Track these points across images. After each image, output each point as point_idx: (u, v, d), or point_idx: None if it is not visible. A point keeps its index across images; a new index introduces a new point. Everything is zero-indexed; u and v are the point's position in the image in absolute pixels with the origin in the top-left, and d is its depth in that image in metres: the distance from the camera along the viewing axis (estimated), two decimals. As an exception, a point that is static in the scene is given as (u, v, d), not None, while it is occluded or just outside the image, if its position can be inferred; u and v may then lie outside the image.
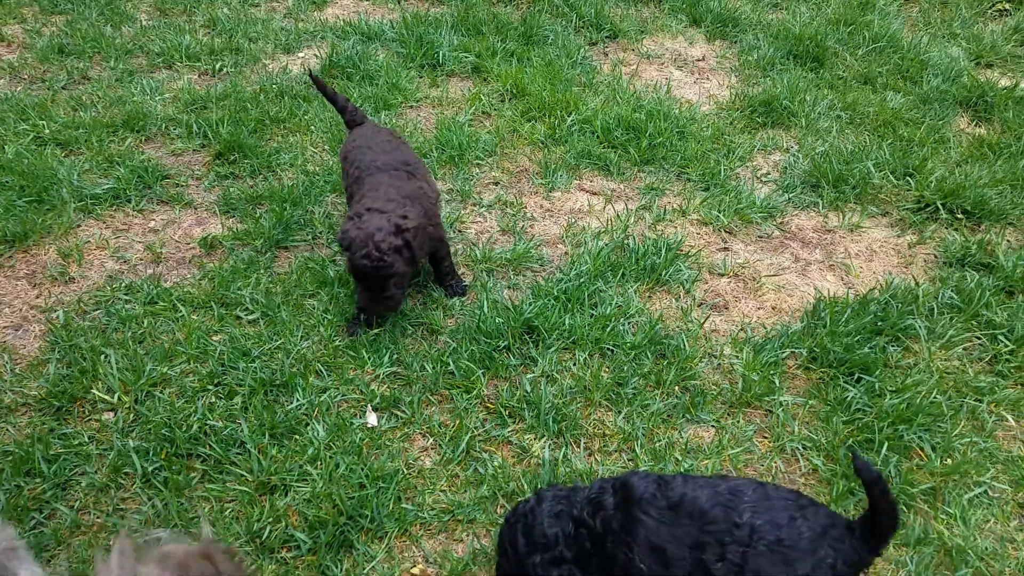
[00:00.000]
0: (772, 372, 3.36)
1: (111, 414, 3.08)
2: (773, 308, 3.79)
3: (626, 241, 4.08)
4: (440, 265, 3.68)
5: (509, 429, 3.11)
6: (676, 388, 3.30)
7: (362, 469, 2.88)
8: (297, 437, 2.99)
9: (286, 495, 2.78)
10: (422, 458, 3.00)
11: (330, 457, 2.92)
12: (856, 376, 3.33)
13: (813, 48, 5.95)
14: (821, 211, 4.44)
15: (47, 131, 4.71)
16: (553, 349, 3.43)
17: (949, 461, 3.02)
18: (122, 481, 2.83)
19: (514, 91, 5.35)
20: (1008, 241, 4.17)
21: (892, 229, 4.33)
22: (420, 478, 2.91)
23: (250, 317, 3.54)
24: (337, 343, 3.41)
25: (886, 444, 3.01)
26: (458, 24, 6.16)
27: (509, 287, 3.81)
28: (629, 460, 3.01)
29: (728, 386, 3.32)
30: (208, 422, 3.01)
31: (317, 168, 4.57)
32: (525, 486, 2.87)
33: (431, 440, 3.07)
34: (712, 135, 5.01)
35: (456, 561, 2.63)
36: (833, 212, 4.43)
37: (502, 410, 3.16)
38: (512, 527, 2.36)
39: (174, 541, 1.58)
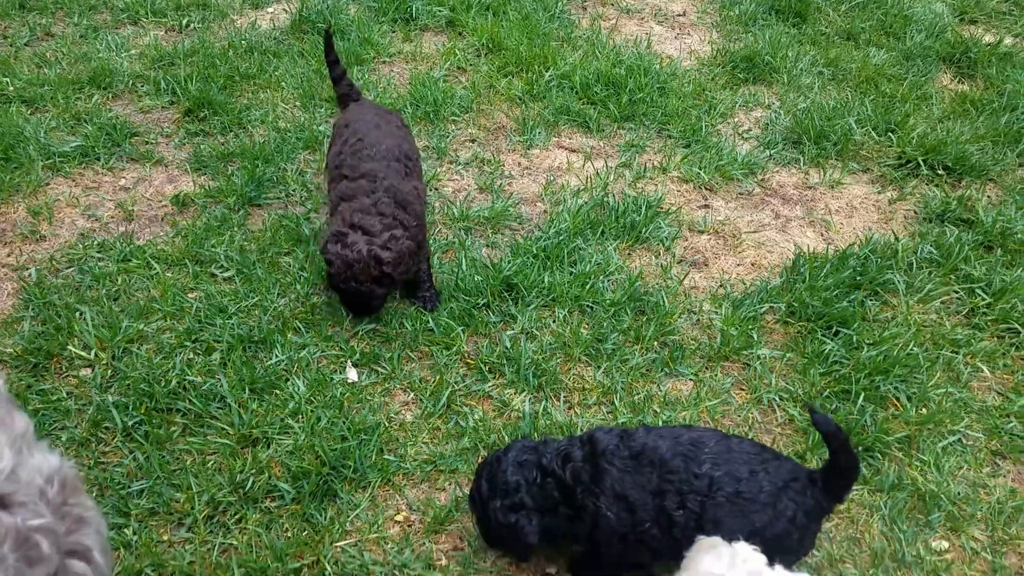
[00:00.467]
0: (750, 327, 3.50)
1: (88, 370, 3.16)
2: (753, 264, 3.92)
3: (606, 199, 4.18)
4: (417, 273, 3.53)
5: (489, 384, 3.22)
6: (655, 343, 3.43)
7: (344, 422, 2.99)
8: (277, 392, 3.10)
9: (268, 447, 2.89)
10: (403, 412, 3.12)
11: (311, 411, 3.03)
12: (834, 329, 3.48)
13: (795, 3, 6.05)
14: (802, 168, 4.57)
15: (11, 88, 4.73)
16: (533, 306, 3.54)
17: (924, 411, 3.18)
18: (102, 436, 2.93)
19: (490, 46, 5.42)
20: (988, 197, 4.33)
21: (873, 185, 4.47)
22: (402, 431, 3.03)
23: (225, 275, 3.62)
24: (315, 300, 3.50)
25: (863, 395, 3.16)
26: (433, -22, 6.19)
27: (488, 245, 3.91)
28: (608, 413, 3.14)
29: (707, 341, 3.45)
30: (187, 377, 3.11)
31: (288, 125, 4.62)
32: (506, 438, 2.99)
33: (412, 395, 3.18)
34: (693, 91, 5.11)
35: (439, 508, 2.76)
36: (814, 169, 4.56)
37: (482, 366, 3.27)
38: (479, 474, 2.52)
39: None
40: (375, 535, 2.68)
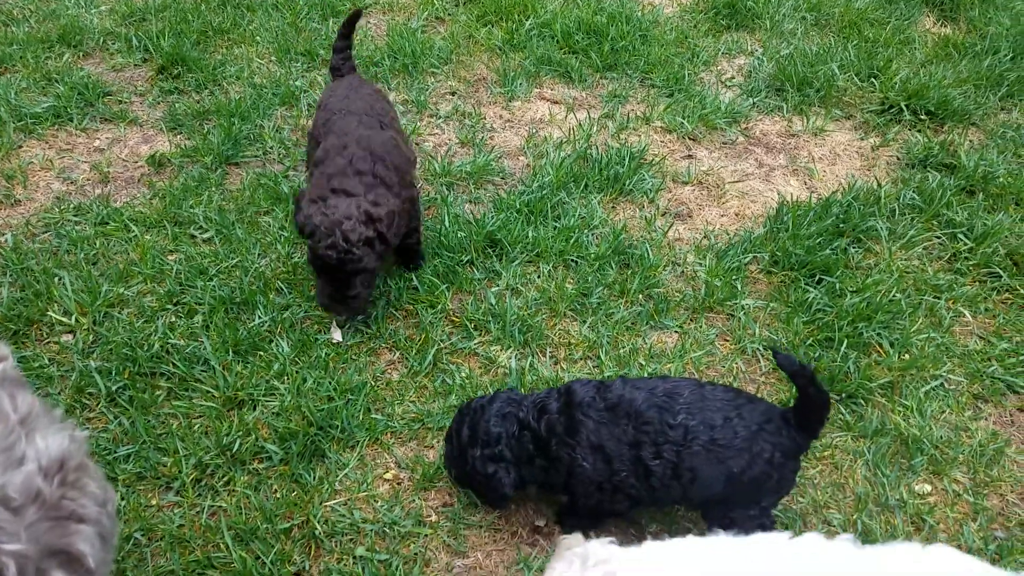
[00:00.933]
0: (734, 277, 3.51)
1: (70, 336, 3.15)
2: (736, 215, 3.92)
3: (589, 151, 4.16)
4: (409, 239, 3.35)
5: (475, 341, 3.23)
6: (640, 296, 3.44)
7: (329, 382, 2.99)
8: (261, 354, 3.09)
9: (254, 409, 2.89)
10: (389, 371, 3.12)
11: (296, 372, 3.03)
12: (817, 278, 3.49)
13: (778, -54, 5.97)
14: (785, 115, 4.55)
15: (-24, 48, 4.64)
16: (517, 262, 3.53)
17: (907, 356, 3.21)
18: (87, 401, 2.92)
19: (469, -4, 5.34)
20: (970, 141, 4.33)
21: (856, 132, 4.46)
22: (388, 390, 3.03)
23: (204, 236, 3.59)
24: (296, 259, 3.48)
25: (845, 342, 3.19)
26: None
27: (470, 201, 3.89)
28: (594, 367, 3.15)
29: (691, 292, 3.46)
30: (170, 341, 3.10)
31: (264, 80, 4.56)
32: (492, 395, 3.00)
33: (397, 354, 3.18)
34: (676, 39, 5.06)
35: (428, 466, 2.78)
36: (797, 116, 4.54)
37: (468, 323, 3.27)
38: (461, 417, 2.55)
39: None
40: (364, 493, 2.70)
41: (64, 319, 3.18)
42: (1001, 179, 3.97)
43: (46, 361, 3.03)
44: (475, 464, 2.45)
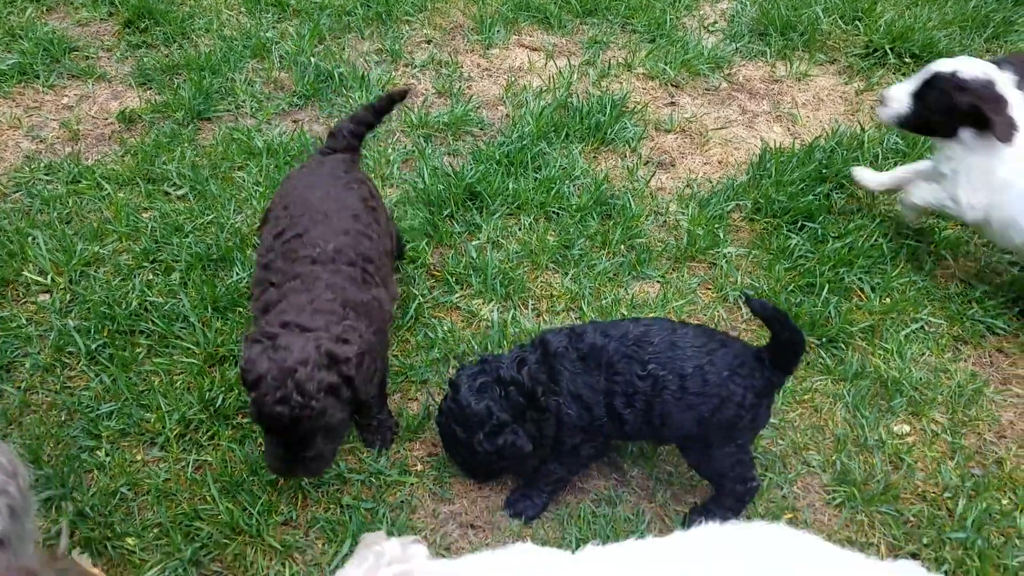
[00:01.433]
0: (717, 226, 3.60)
1: (46, 296, 3.21)
2: (719, 162, 4.00)
3: (569, 99, 4.22)
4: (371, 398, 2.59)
5: (457, 295, 3.31)
6: (622, 247, 3.53)
7: (310, 338, 3.08)
8: (241, 310, 3.16)
9: (236, 365, 2.98)
10: (370, 326, 3.21)
11: (277, 328, 3.11)
12: (800, 224, 3.59)
13: None
14: (769, 60, 4.61)
15: (-66, 3, 4.63)
16: (498, 215, 3.61)
17: (888, 300, 3.32)
18: (67, 360, 3.00)
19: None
20: (955, 84, 4.41)
21: (840, 76, 4.53)
22: (369, 344, 3.12)
23: (179, 192, 3.65)
24: (274, 215, 3.55)
25: (827, 287, 3.29)
26: None
27: (449, 153, 3.95)
28: (576, 319, 3.24)
29: (673, 242, 3.56)
30: (148, 298, 3.17)
31: (234, 32, 4.58)
32: (475, 347, 3.10)
33: (378, 308, 3.27)
34: (656, -17, 5.10)
35: (411, 418, 2.88)
36: (781, 61, 4.61)
37: (449, 277, 3.35)
38: (445, 425, 2.60)
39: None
40: (350, 445, 2.80)
41: (40, 279, 3.25)
42: (985, 122, 4.07)
43: (24, 321, 3.10)
44: (484, 447, 2.49)
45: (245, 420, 2.83)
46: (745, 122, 4.24)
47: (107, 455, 2.71)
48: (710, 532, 1.78)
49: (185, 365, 2.98)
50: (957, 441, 2.89)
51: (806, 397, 2.97)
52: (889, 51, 4.56)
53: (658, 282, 3.40)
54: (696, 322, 3.23)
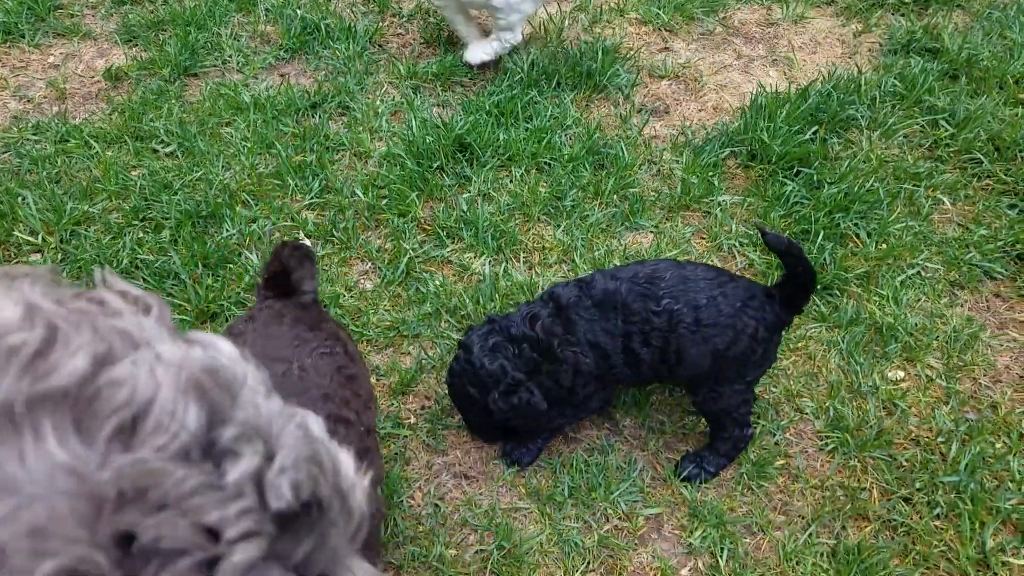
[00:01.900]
0: (711, 174, 3.57)
1: (38, 255, 3.21)
2: (715, 108, 3.96)
3: (560, 46, 4.17)
4: None
5: (448, 249, 3.31)
6: (615, 197, 3.51)
7: (301, 294, 3.08)
8: (231, 266, 3.17)
9: (227, 321, 2.99)
10: (362, 281, 3.21)
11: (267, 284, 3.12)
12: (795, 170, 3.56)
13: None
14: (765, 3, 4.54)
15: (-86, -39, 4.57)
16: (488, 167, 3.58)
17: (884, 246, 3.31)
18: (57, 321, 3.01)
19: None
20: (955, 23, 4.34)
21: (837, 19, 4.46)
22: (363, 300, 3.13)
23: (167, 150, 3.63)
24: (261, 171, 3.53)
25: (822, 233, 3.28)
26: None
27: (438, 104, 3.92)
28: (569, 271, 3.24)
29: (667, 191, 3.53)
30: (138, 256, 3.17)
31: (222, -13, 4.52)
32: (467, 301, 3.10)
33: (370, 264, 3.26)
34: (650, -74, 5.00)
35: (404, 371, 2.89)
36: (777, 4, 4.53)
37: (440, 231, 3.34)
38: (458, 387, 2.58)
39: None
40: (341, 401, 2.82)
41: (31, 239, 3.25)
42: (985, 62, 4.01)
43: (13, 282, 3.10)
44: (499, 406, 2.49)
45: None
46: (740, 67, 4.19)
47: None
48: None
49: (176, 322, 2.98)
50: (952, 386, 2.89)
51: (800, 345, 2.97)
52: (888, -9, 4.49)
53: (651, 232, 3.39)
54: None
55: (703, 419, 2.71)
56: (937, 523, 2.56)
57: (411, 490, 2.64)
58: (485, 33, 4.06)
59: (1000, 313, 3.13)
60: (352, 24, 4.28)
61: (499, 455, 2.71)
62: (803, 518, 2.58)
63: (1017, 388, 2.90)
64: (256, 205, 3.41)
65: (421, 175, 3.51)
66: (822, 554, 2.51)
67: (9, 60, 4.12)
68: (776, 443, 2.73)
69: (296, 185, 3.47)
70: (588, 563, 2.48)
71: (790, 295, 2.39)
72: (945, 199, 3.50)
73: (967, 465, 2.64)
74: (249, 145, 3.62)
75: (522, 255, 3.28)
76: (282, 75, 4.07)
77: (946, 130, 3.73)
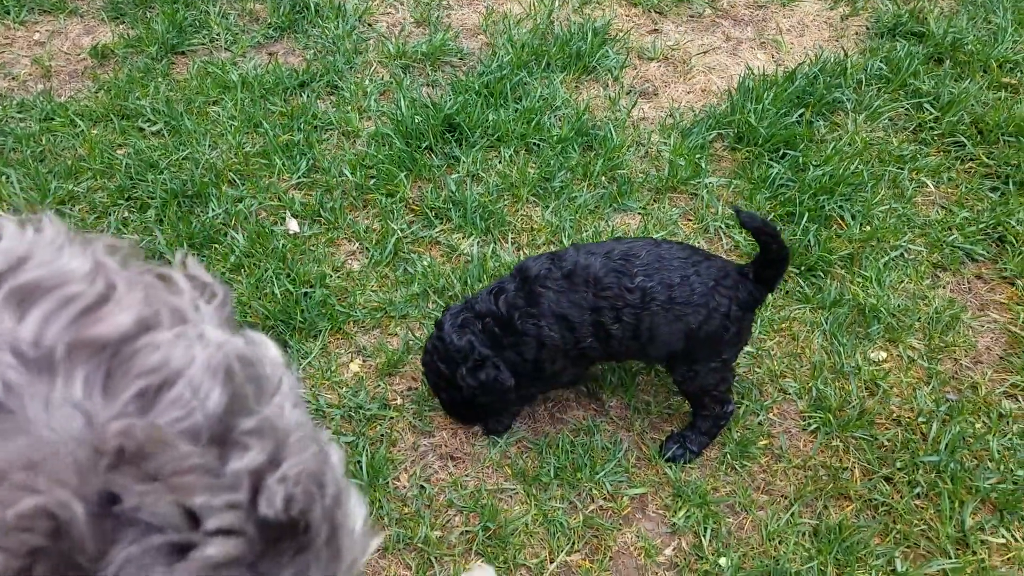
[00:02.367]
0: (699, 155, 3.55)
1: (21, 235, 3.18)
2: (703, 91, 3.94)
3: (550, 26, 4.13)
4: None
5: (436, 230, 3.28)
6: (603, 179, 3.49)
7: (287, 275, 3.06)
8: (217, 246, 3.14)
9: (212, 302, 2.96)
10: (350, 262, 3.19)
11: (255, 264, 3.09)
12: (781, 152, 3.54)
13: None
14: (753, -15, 4.51)
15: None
16: (477, 147, 3.55)
17: (868, 228, 3.30)
18: (43, 300, 2.98)
19: None
20: (940, 8, 4.32)
21: (825, 2, 4.43)
22: (350, 280, 3.11)
23: (153, 128, 3.59)
24: (248, 150, 3.50)
25: (807, 215, 3.27)
26: None
27: (427, 84, 3.88)
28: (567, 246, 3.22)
29: (655, 173, 3.52)
30: (124, 236, 3.13)
31: (210, -36, 4.46)
32: (455, 282, 3.08)
33: (357, 244, 3.24)
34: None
35: (391, 353, 2.87)
36: (766, -14, 4.51)
37: (428, 211, 3.32)
38: (430, 364, 2.58)
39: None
40: (328, 380, 2.81)
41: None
42: (969, 46, 3.99)
43: None
44: (467, 382, 2.49)
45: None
46: (729, 49, 4.16)
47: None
48: None
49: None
50: (933, 367, 2.89)
51: (783, 325, 2.97)
52: (875, -26, 4.46)
53: (639, 214, 3.37)
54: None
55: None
56: (917, 502, 2.57)
57: (397, 471, 2.63)
58: None
59: (981, 295, 3.14)
60: (341, 3, 4.23)
61: (483, 433, 2.71)
62: (786, 498, 2.59)
63: (997, 369, 2.90)
64: (243, 184, 3.37)
65: (410, 155, 3.48)
66: (804, 533, 2.51)
67: (-6, 37, 4.06)
68: (759, 423, 2.74)
69: (283, 164, 3.44)
70: (573, 543, 2.48)
71: (763, 273, 2.39)
72: (928, 182, 3.50)
73: (947, 445, 2.65)
74: (236, 124, 3.58)
75: (510, 236, 3.26)
76: (270, 54, 4.03)
77: (930, 113, 3.72)
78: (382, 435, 2.68)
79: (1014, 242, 3.24)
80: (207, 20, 4.11)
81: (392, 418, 2.73)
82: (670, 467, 2.63)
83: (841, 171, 3.41)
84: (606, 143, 3.58)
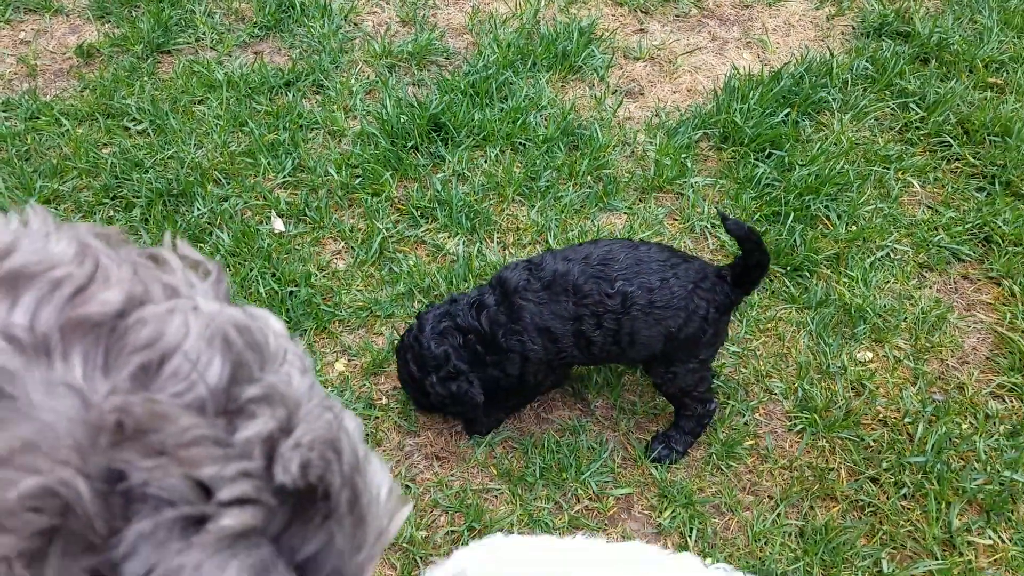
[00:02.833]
0: (684, 155, 3.51)
1: (3, 235, 3.12)
2: (689, 90, 3.90)
3: (536, 26, 4.09)
4: None
5: (422, 229, 3.24)
6: (589, 178, 3.44)
7: (272, 274, 3.00)
8: (202, 245, 3.08)
9: (196, 302, 2.91)
10: (335, 261, 3.14)
11: (240, 263, 3.03)
12: (767, 152, 3.51)
13: None
14: (740, -15, 4.48)
15: None
16: (463, 146, 3.51)
17: (854, 228, 3.27)
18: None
19: None
20: (926, 8, 4.29)
21: (811, 1, 4.40)
22: (335, 279, 3.06)
23: (138, 127, 3.53)
24: (233, 149, 3.44)
25: (792, 215, 3.23)
26: None
27: (413, 83, 3.83)
28: (543, 251, 3.18)
29: (640, 172, 3.47)
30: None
31: (197, -37, 4.39)
32: (441, 281, 3.03)
33: (343, 244, 3.19)
34: (627, -93, 4.91)
35: (376, 352, 2.83)
36: (752, -14, 4.48)
37: (414, 211, 3.27)
38: (402, 356, 2.54)
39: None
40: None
41: (-3, 218, 3.15)
42: (955, 46, 3.96)
43: (-20, 261, 3.01)
44: (436, 390, 2.46)
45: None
46: (715, 49, 4.12)
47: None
48: None
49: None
50: (919, 367, 2.86)
51: (769, 326, 2.93)
52: (861, -25, 4.43)
53: (625, 213, 3.33)
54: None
55: (673, 400, 2.67)
56: (904, 503, 2.53)
57: (382, 471, 2.58)
58: None
59: (968, 295, 3.11)
60: (327, 2, 4.17)
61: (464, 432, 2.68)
62: (771, 498, 2.55)
63: (984, 369, 2.87)
64: (228, 184, 3.32)
65: (395, 154, 3.43)
66: (790, 534, 2.48)
67: (-21, 36, 3.99)
68: (745, 423, 2.70)
69: (269, 164, 3.38)
70: (558, 543, 2.44)
71: (743, 277, 2.36)
72: (914, 182, 3.47)
73: (934, 445, 2.62)
74: (222, 123, 3.52)
75: (496, 235, 3.22)
76: (256, 53, 3.97)
77: (916, 113, 3.69)
78: (367, 435, 2.63)
79: (1000, 242, 3.21)
80: (193, 19, 4.05)
81: (377, 417, 2.69)
82: (656, 467, 2.59)
83: (827, 171, 3.38)
84: (592, 143, 3.54)
